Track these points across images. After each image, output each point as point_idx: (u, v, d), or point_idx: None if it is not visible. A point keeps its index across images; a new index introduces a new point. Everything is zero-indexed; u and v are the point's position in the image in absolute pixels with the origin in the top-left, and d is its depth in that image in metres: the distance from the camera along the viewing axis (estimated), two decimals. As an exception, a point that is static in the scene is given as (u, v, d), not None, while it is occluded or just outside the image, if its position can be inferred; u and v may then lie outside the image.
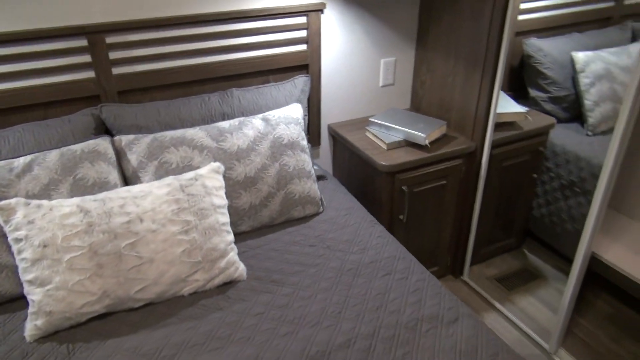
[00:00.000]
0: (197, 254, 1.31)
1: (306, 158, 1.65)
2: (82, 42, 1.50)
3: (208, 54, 1.70)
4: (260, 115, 1.62)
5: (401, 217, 1.90)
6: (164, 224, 1.28)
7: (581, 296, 2.13)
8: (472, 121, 1.94)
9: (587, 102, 2.04)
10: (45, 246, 1.18)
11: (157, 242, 1.26)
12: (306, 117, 1.83)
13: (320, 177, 1.88)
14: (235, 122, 1.58)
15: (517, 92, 2.11)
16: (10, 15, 1.41)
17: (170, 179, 1.37)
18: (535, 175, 2.23)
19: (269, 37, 1.78)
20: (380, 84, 2.15)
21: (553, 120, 2.10)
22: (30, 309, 1.19)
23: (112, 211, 1.25)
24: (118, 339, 1.20)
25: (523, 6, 1.78)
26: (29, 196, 1.29)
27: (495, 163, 2.04)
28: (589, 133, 2.07)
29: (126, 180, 1.48)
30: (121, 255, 1.22)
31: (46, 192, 1.31)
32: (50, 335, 1.20)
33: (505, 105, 1.99)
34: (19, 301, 1.30)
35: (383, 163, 1.77)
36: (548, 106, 2.11)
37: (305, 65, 1.88)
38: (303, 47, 1.85)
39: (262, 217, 1.59)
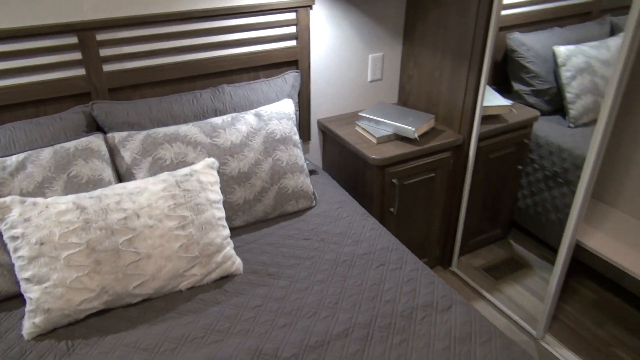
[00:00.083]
0: (194, 248, 1.32)
1: (299, 153, 1.67)
2: (73, 40, 1.50)
3: (198, 51, 1.71)
4: (253, 111, 1.63)
5: (392, 209, 1.94)
6: (161, 219, 1.29)
7: (566, 284, 2.19)
8: (460, 114, 1.98)
9: (569, 94, 2.10)
10: (42, 244, 1.18)
11: (154, 238, 1.27)
12: (297, 113, 1.85)
13: (311, 172, 1.90)
14: (227, 118, 1.59)
15: (501, 85, 2.16)
16: (0, 14, 1.39)
17: (165, 175, 1.38)
18: (520, 167, 2.28)
19: (259, 33, 1.79)
20: (369, 79, 2.18)
21: (537, 112, 2.16)
22: (28, 307, 1.19)
23: (108, 208, 1.25)
24: (117, 334, 1.21)
25: (506, 1, 1.82)
26: (23, 194, 1.29)
27: (481, 155, 2.08)
28: (571, 125, 2.13)
29: (120, 177, 1.48)
30: (119, 252, 1.23)
31: (40, 189, 1.31)
32: (48, 333, 1.20)
33: (491, 99, 2.04)
34: (14, 300, 1.29)
35: (374, 157, 1.80)
36: (531, 99, 2.17)
37: (295, 61, 1.90)
38: (293, 43, 1.87)
39: (256, 211, 1.60)
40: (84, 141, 1.41)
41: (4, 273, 1.25)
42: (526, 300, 2.13)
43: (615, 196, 2.14)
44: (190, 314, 1.27)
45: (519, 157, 2.25)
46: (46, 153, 1.35)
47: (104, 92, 1.59)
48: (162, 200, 1.31)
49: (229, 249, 1.39)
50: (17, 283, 1.26)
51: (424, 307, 1.28)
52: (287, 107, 1.69)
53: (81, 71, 1.55)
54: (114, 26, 1.53)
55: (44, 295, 1.17)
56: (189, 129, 1.52)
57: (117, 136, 1.48)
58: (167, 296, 1.33)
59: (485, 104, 1.96)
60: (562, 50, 2.07)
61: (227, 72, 1.79)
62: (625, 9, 1.92)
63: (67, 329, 1.22)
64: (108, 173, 1.42)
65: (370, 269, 1.42)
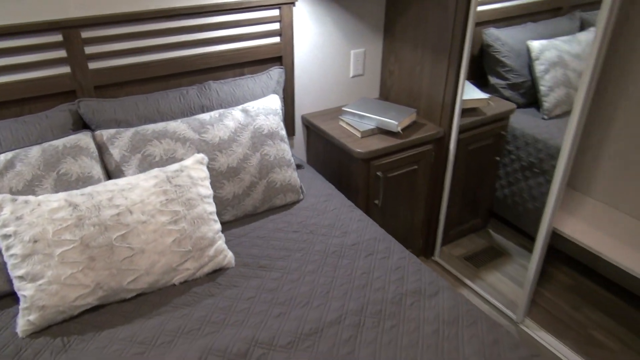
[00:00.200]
0: (187, 243, 1.34)
1: (286, 147, 1.70)
2: (57, 37, 1.49)
3: (184, 48, 1.72)
4: (240, 107, 1.65)
5: (377, 202, 1.98)
6: (154, 214, 1.30)
7: (543, 270, 2.28)
8: (440, 108, 2.04)
9: (543, 87, 2.18)
10: (35, 241, 1.18)
11: (147, 233, 1.29)
12: (282, 108, 1.87)
13: (297, 166, 1.93)
14: (215, 114, 1.61)
15: (478, 80, 2.22)
16: (-19, 10, 1.38)
17: (156, 171, 1.39)
18: (497, 158, 2.36)
19: (243, 30, 1.81)
20: (351, 74, 2.22)
21: (513, 105, 2.23)
22: (22, 305, 1.19)
23: (101, 204, 1.26)
24: (113, 329, 1.22)
25: (481, -3, 1.89)
26: (13, 192, 1.28)
27: (461, 147, 2.15)
28: (545, 117, 2.21)
29: (109, 174, 1.49)
30: (113, 247, 1.24)
31: (30, 188, 1.31)
32: (43, 330, 1.21)
33: (469, 93, 2.10)
34: (7, 298, 1.29)
35: (358, 150, 1.84)
36: (507, 92, 2.24)
37: (279, 57, 1.92)
38: (276, 39, 1.89)
39: (245, 206, 1.62)
40: (72, 139, 1.41)
41: (-4, 272, 1.25)
42: (506, 286, 2.21)
43: (588, 185, 2.24)
44: (184, 307, 1.29)
45: (496, 148, 2.32)
46: (35, 151, 1.35)
47: (90, 89, 1.59)
48: (154, 196, 1.32)
49: (221, 243, 1.42)
50: (10, 281, 1.26)
51: (412, 293, 1.33)
52: (274, 102, 1.72)
53: (66, 69, 1.54)
54: (99, 23, 1.53)
55: (38, 292, 1.18)
56: (177, 126, 1.54)
57: (105, 133, 1.48)
58: (161, 290, 1.34)
59: (464, 97, 2.02)
60: (535, 44, 2.15)
61: (212, 69, 1.80)
62: (593, 5, 2.00)
63: (61, 326, 1.22)
64: (97, 170, 1.43)
65: (359, 258, 1.47)
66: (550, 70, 2.16)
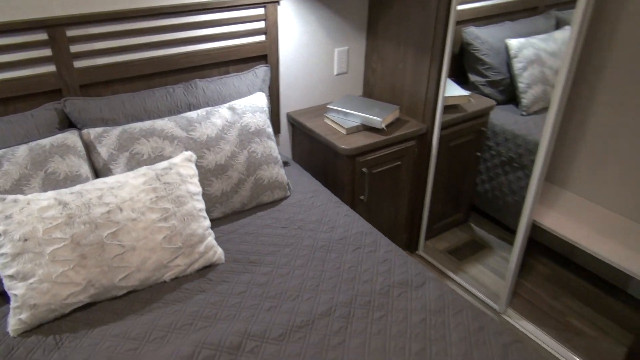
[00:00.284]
0: (177, 239, 1.35)
1: (273, 145, 1.72)
2: (42, 36, 1.48)
3: (169, 46, 1.73)
4: (227, 105, 1.67)
5: (362, 197, 2.02)
6: (144, 212, 1.31)
7: (523, 262, 2.35)
8: (423, 105, 2.08)
9: (521, 84, 2.24)
10: (25, 240, 1.18)
11: (138, 230, 1.29)
12: (269, 106, 1.89)
13: (284, 164, 1.96)
14: (202, 112, 1.62)
15: (458, 77, 2.28)
16: (-36, 9, 1.37)
17: (144, 169, 1.40)
18: (478, 154, 2.42)
19: (229, 29, 1.82)
20: (335, 72, 2.25)
21: (493, 102, 2.29)
22: (13, 304, 1.19)
23: (90, 202, 1.27)
24: (105, 326, 1.23)
25: (462, -3, 1.94)
26: (1, 192, 1.28)
27: (443, 143, 2.20)
28: (524, 113, 2.28)
29: (97, 173, 1.49)
30: (104, 245, 1.25)
31: (18, 187, 1.30)
32: (34, 329, 1.21)
33: (451, 90, 2.15)
34: (-4, 298, 1.29)
35: (344, 147, 1.88)
36: (487, 90, 2.30)
37: (264, 55, 1.94)
38: (262, 38, 1.91)
39: (233, 203, 1.64)
40: (59, 138, 1.41)
41: (-16, 272, 1.24)
42: (488, 278, 2.27)
43: (565, 178, 2.31)
44: (176, 303, 1.31)
45: (477, 144, 2.38)
46: (21, 150, 1.34)
47: (75, 88, 1.59)
48: (143, 194, 1.33)
49: (211, 239, 1.43)
50: (0, 280, 1.25)
51: (399, 284, 1.37)
52: (260, 100, 1.74)
53: (51, 68, 1.54)
54: (85, 22, 1.53)
55: (29, 291, 1.18)
56: (164, 124, 1.54)
57: (92, 132, 1.49)
58: (152, 287, 1.35)
59: (446, 94, 2.07)
60: (513, 43, 2.21)
61: (198, 67, 1.81)
62: (568, 4, 2.07)
63: (53, 324, 1.23)
64: (85, 169, 1.43)
65: (347, 252, 1.50)
66: (528, 68, 2.22)
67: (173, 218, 1.35)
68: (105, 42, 1.60)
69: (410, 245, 2.43)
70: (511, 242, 1.98)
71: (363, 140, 1.93)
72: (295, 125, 2.17)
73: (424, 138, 2.13)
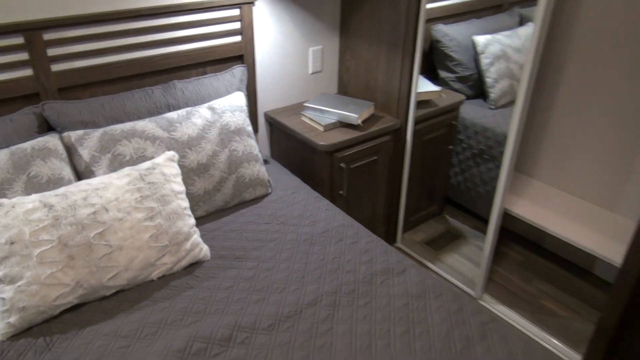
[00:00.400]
0: (164, 238, 1.37)
1: (253, 143, 1.75)
2: (19, 40, 1.48)
3: (147, 48, 1.74)
4: (206, 105, 1.69)
5: (341, 192, 2.07)
6: (129, 212, 1.33)
7: (496, 249, 2.45)
8: (396, 101, 2.15)
9: (488, 79, 2.34)
10: (12, 243, 1.19)
11: (124, 230, 1.31)
12: (247, 105, 1.92)
13: (264, 162, 1.99)
14: (182, 112, 1.64)
15: (428, 74, 2.36)
16: (-63, 14, 1.36)
17: (128, 170, 1.41)
18: (450, 147, 2.51)
19: (205, 30, 1.85)
20: (310, 71, 2.29)
21: (462, 97, 2.38)
22: (2, 307, 1.19)
23: (76, 204, 1.28)
24: (95, 326, 1.24)
25: (430, -5, 2.01)
26: (-16, 197, 1.28)
27: (417, 138, 2.27)
28: (492, 107, 2.37)
29: (79, 175, 1.50)
30: (91, 245, 1.26)
31: (1, 191, 1.30)
32: (24, 332, 1.22)
33: (422, 85, 2.22)
34: (-18, 303, 1.28)
35: (322, 143, 1.92)
36: (456, 85, 2.39)
37: (241, 56, 1.97)
38: (238, 38, 1.94)
39: (216, 201, 1.67)
40: (40, 141, 1.41)
41: (-31, 277, 1.24)
42: (464, 266, 2.35)
43: (533, 168, 2.42)
44: (165, 300, 1.33)
45: (449, 138, 2.47)
46: (2, 155, 1.34)
47: (54, 92, 1.59)
48: (128, 194, 1.35)
49: (196, 237, 1.46)
50: (-14, 285, 1.25)
51: (381, 272, 1.42)
52: (239, 100, 1.77)
53: (29, 72, 1.53)
54: (61, 25, 1.53)
55: (17, 294, 1.18)
56: (145, 125, 1.56)
57: (73, 135, 1.49)
58: (140, 286, 1.37)
59: (418, 90, 2.14)
60: (480, 39, 2.30)
61: (175, 69, 1.83)
62: (530, 2, 2.17)
63: (42, 326, 1.23)
64: (68, 172, 1.44)
65: (330, 244, 1.55)
66: (494, 63, 2.32)
67: (159, 217, 1.37)
68: (83, 45, 1.60)
69: (388, 238, 2.49)
70: (484, 231, 2.07)
71: (340, 136, 1.98)
72: (273, 124, 2.20)
73: (398, 133, 2.19)
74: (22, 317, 1.19)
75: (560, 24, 2.14)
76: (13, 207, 1.22)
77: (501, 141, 2.28)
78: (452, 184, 2.59)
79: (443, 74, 2.37)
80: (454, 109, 2.41)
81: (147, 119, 1.58)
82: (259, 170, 1.75)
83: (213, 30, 1.87)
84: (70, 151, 1.49)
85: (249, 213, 1.70)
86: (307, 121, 2.10)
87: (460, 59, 2.32)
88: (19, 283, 1.19)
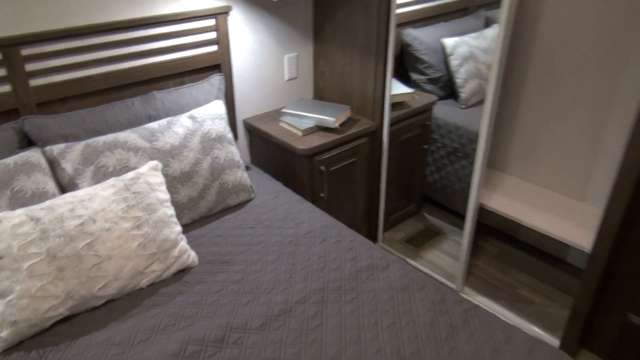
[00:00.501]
0: (152, 246, 1.39)
1: (234, 149, 1.79)
2: (-4, 56, 1.49)
3: (125, 60, 1.76)
4: (187, 114, 1.72)
5: (322, 194, 2.12)
6: (117, 221, 1.35)
7: (474, 243, 2.53)
8: (372, 104, 2.21)
9: (458, 80, 2.42)
10: (1, 257, 1.19)
11: (112, 240, 1.33)
12: (227, 113, 1.95)
13: (245, 168, 2.02)
14: (163, 122, 1.66)
15: (400, 77, 2.43)
16: None
17: (113, 180, 1.43)
18: (425, 147, 2.58)
19: (182, 40, 1.88)
20: (286, 77, 2.34)
21: (434, 97, 2.46)
22: (-8, 322, 1.19)
23: (63, 216, 1.29)
24: (88, 336, 1.26)
25: (399, 1, 2.08)
26: (-32, 213, 1.28)
27: (393, 139, 2.34)
28: (463, 106, 2.46)
29: (63, 189, 1.50)
30: (80, 256, 1.27)
31: (-15, 207, 1.30)
32: (15, 346, 1.22)
33: (396, 88, 2.30)
34: (-30, 320, 1.28)
35: (302, 147, 1.97)
36: (428, 87, 2.47)
37: (218, 65, 2.01)
38: (214, 48, 1.98)
39: (200, 208, 1.70)
40: (23, 156, 1.42)
41: (-44, 295, 1.24)
42: (444, 261, 2.42)
43: (504, 163, 2.51)
44: (155, 307, 1.35)
45: (423, 137, 2.54)
46: (-15, 171, 1.35)
47: (32, 107, 1.59)
48: (114, 204, 1.37)
49: (184, 244, 1.48)
50: (-26, 302, 1.25)
51: (366, 268, 1.47)
52: (218, 108, 1.80)
53: (7, 88, 1.53)
54: (39, 40, 1.54)
55: (8, 308, 1.19)
56: (127, 136, 1.58)
57: (55, 149, 1.50)
58: (130, 295, 1.39)
59: (392, 93, 2.21)
60: (449, 42, 2.39)
61: (153, 80, 1.85)
62: (494, 4, 2.26)
63: (34, 340, 1.24)
64: (51, 185, 1.44)
65: (315, 245, 1.59)
66: (463, 65, 2.41)
67: (146, 225, 1.40)
68: (61, 59, 1.62)
69: (370, 237, 2.55)
70: (462, 227, 2.14)
71: (319, 140, 2.03)
72: (252, 131, 2.24)
73: (375, 135, 2.26)
74: (14, 331, 1.20)
75: (523, 24, 2.25)
76: (0, 222, 1.23)
77: (473, 139, 2.36)
78: (428, 182, 2.67)
79: (415, 76, 2.45)
80: (426, 109, 2.48)
81: (128, 130, 1.60)
82: (241, 176, 1.78)
83: (189, 40, 1.90)
84: (53, 165, 1.49)
85: (234, 218, 1.73)
86: (286, 126, 2.14)
87: (431, 61, 2.40)
88: (9, 297, 1.19)
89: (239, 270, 1.48)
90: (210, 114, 1.75)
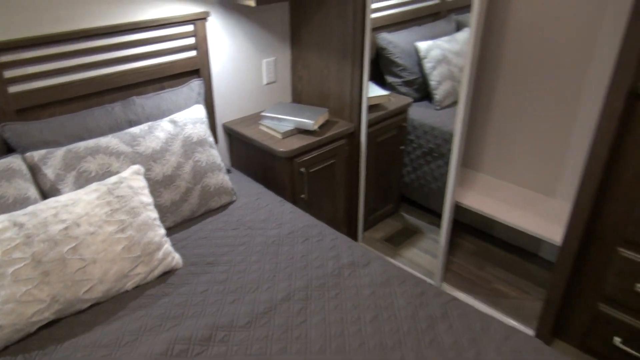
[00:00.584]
0: (136, 249, 1.41)
1: (215, 153, 1.81)
2: (-26, 63, 1.48)
3: (104, 66, 1.77)
4: (168, 119, 1.74)
5: (303, 196, 2.16)
6: (101, 225, 1.36)
7: (451, 241, 2.60)
8: (349, 106, 2.26)
9: (432, 82, 2.49)
10: (-15, 263, 1.19)
11: (97, 243, 1.34)
12: (207, 117, 1.98)
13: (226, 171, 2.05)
14: (144, 127, 1.68)
15: (376, 80, 2.49)
16: None
17: (95, 185, 1.44)
18: (402, 147, 2.65)
19: (161, 46, 1.89)
20: (264, 82, 2.38)
21: (409, 99, 2.53)
22: (-24, 329, 1.19)
23: (47, 221, 1.30)
24: (74, 339, 1.27)
25: (374, 6, 2.14)
26: (-50, 221, 1.27)
27: (371, 140, 2.39)
28: (437, 107, 2.53)
29: (45, 194, 1.51)
30: (65, 260, 1.28)
31: (-33, 214, 1.30)
32: (1, 352, 1.22)
33: (372, 91, 2.35)
34: (-47, 328, 1.27)
35: (282, 150, 2.01)
36: (403, 89, 2.53)
37: (197, 70, 2.03)
38: (193, 53, 2.00)
39: (183, 211, 1.71)
40: (3, 162, 1.42)
41: (-61, 302, 1.23)
42: (423, 259, 2.49)
43: (478, 162, 2.60)
44: (141, 308, 1.37)
45: (400, 138, 2.61)
46: (-34, 178, 1.34)
47: (11, 113, 1.59)
48: (98, 208, 1.38)
49: (168, 246, 1.50)
50: (-43, 309, 1.25)
51: (348, 266, 1.52)
52: (199, 112, 1.82)
53: (-15, 95, 1.53)
54: (17, 47, 1.54)
55: (-7, 313, 1.19)
56: (109, 141, 1.59)
57: (36, 155, 1.50)
58: (115, 298, 1.40)
59: (368, 95, 2.27)
60: (422, 45, 2.46)
61: (133, 85, 1.86)
62: (465, 9, 2.34)
63: (19, 345, 1.24)
64: (33, 191, 1.45)
65: (297, 244, 1.63)
66: (437, 67, 2.48)
67: (130, 229, 1.41)
68: (40, 65, 1.62)
69: (350, 237, 2.59)
70: (439, 225, 2.21)
71: (298, 142, 2.07)
72: (232, 135, 2.26)
73: (353, 136, 2.31)
74: (-1, 336, 1.20)
75: (493, 27, 2.33)
76: (-17, 228, 1.23)
77: (448, 139, 2.44)
78: (405, 182, 2.74)
79: (390, 79, 2.51)
80: (402, 111, 2.55)
81: (110, 135, 1.61)
82: (223, 179, 1.81)
83: (168, 46, 1.92)
84: (34, 171, 1.50)
85: (216, 221, 1.76)
86: (265, 130, 2.18)
87: (405, 64, 2.47)
88: (-6, 303, 1.20)
89: (223, 270, 1.51)
90: (191, 118, 1.78)
